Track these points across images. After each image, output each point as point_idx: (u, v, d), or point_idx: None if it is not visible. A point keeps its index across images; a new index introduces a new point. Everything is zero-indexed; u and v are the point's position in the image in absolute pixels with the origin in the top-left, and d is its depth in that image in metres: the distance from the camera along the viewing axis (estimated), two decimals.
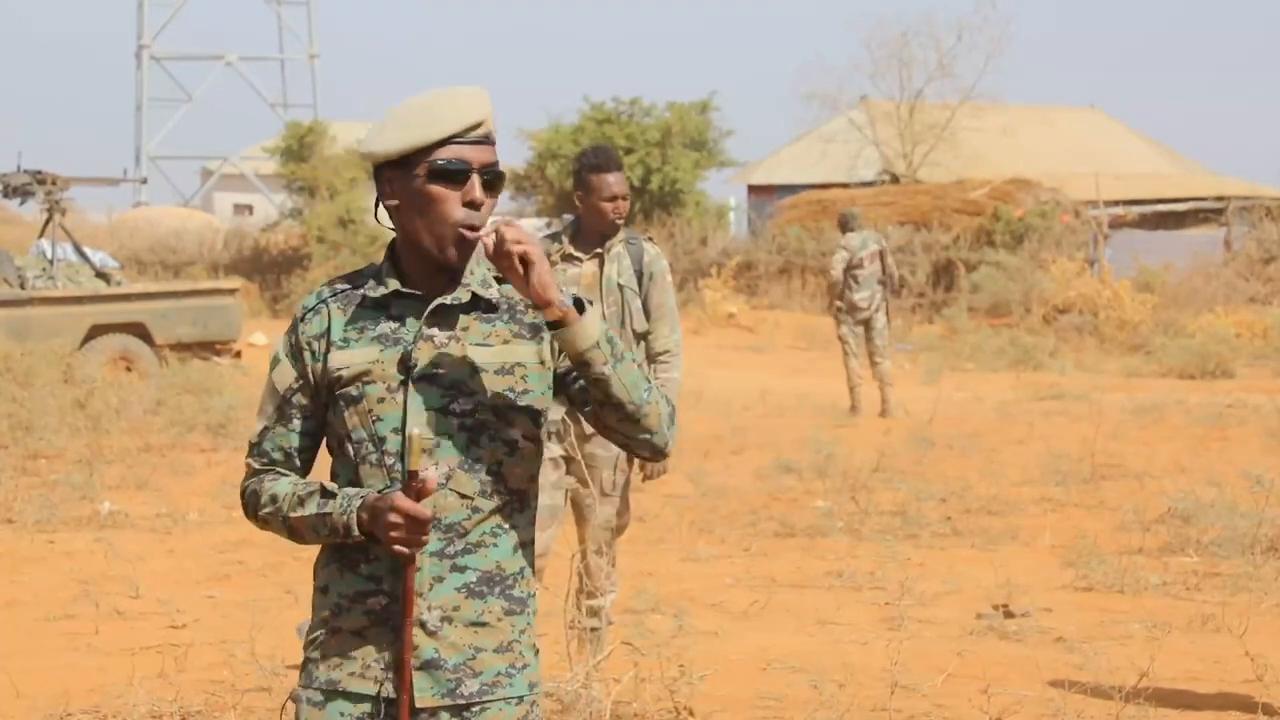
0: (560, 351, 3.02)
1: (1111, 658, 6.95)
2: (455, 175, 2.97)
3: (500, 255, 2.90)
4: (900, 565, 8.89)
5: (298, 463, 3.08)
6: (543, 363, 3.04)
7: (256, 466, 3.09)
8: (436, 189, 2.96)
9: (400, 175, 2.99)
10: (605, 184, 6.36)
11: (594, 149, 6.56)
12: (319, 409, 3.06)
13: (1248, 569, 8.95)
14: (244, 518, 3.14)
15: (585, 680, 5.95)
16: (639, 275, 6.44)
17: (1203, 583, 8.89)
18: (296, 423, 3.06)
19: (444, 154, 2.96)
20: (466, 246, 2.99)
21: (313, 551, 3.10)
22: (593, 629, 6.42)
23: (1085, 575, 8.96)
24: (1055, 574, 9.19)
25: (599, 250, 6.43)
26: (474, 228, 2.98)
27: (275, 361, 3.09)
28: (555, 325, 2.93)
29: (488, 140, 3.00)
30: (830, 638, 7.70)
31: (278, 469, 3.08)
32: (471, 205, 2.97)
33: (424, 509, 2.89)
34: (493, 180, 3.00)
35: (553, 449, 6.29)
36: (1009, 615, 8.09)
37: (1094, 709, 6.35)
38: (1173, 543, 9.80)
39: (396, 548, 2.90)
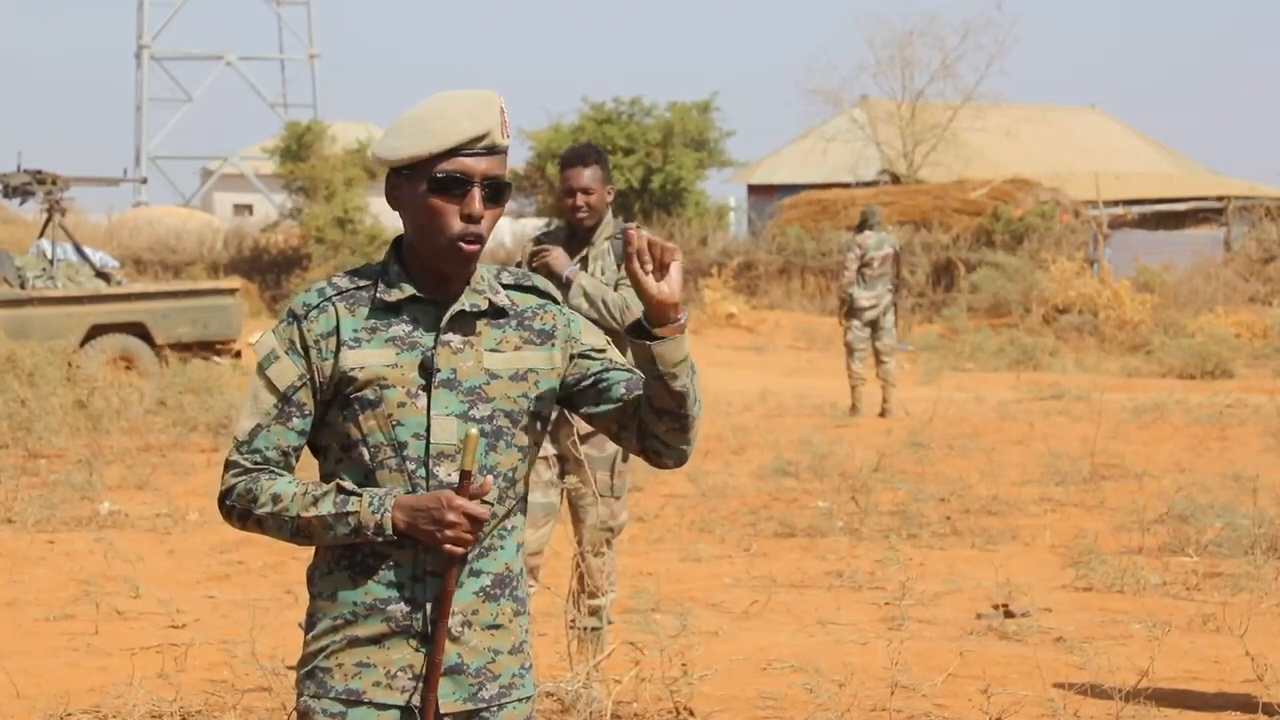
0: (573, 356, 3.03)
1: (1111, 658, 6.94)
2: (455, 188, 2.94)
3: (642, 252, 2.85)
4: (900, 565, 8.86)
5: (293, 461, 3.02)
6: (553, 369, 3.04)
7: (248, 465, 2.98)
8: (436, 201, 2.94)
9: (406, 182, 2.97)
10: (568, 178, 6.22)
11: (572, 146, 6.48)
12: (316, 408, 3.00)
13: (1248, 569, 8.95)
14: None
15: (586, 680, 5.96)
16: (620, 265, 6.18)
17: (1203, 583, 8.89)
18: (296, 421, 2.99)
19: (446, 166, 2.93)
20: (463, 259, 2.95)
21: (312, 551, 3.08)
22: (593, 629, 6.41)
23: (1085, 575, 8.96)
24: (1055, 574, 9.19)
25: (583, 253, 6.23)
26: (472, 240, 2.95)
27: (272, 358, 2.99)
28: (652, 336, 2.89)
29: (494, 151, 2.96)
30: (830, 638, 7.70)
31: (271, 468, 2.99)
32: (470, 219, 2.94)
33: (483, 509, 2.89)
34: (496, 191, 2.97)
35: (546, 447, 6.20)
36: (1009, 615, 8.09)
37: (1094, 709, 6.35)
38: (1173, 543, 9.79)
39: (448, 547, 2.89)
